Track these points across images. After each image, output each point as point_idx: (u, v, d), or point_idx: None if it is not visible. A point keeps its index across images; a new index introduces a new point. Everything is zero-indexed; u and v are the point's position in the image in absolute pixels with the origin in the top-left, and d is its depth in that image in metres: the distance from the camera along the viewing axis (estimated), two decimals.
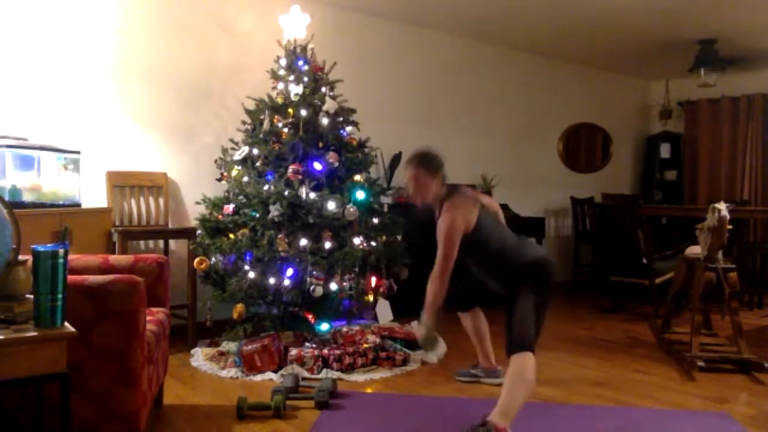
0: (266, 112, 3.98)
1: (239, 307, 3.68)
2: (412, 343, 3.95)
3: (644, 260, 5.23)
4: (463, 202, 2.93)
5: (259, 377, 3.42)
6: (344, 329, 3.88)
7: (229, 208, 3.87)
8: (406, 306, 4.67)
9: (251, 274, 3.66)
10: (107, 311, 2.18)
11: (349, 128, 4.10)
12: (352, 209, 3.78)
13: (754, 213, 6.30)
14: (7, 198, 2.92)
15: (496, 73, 6.27)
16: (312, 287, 3.62)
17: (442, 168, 3.00)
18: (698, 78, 6.16)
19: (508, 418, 2.49)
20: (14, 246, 1.90)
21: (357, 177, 3.98)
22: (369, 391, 3.30)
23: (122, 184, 4.07)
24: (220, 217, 3.90)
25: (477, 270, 3.05)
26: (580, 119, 7.04)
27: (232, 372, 3.49)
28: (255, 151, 3.93)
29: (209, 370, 3.55)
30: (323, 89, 4.05)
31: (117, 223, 3.99)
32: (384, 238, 4.01)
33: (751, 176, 6.89)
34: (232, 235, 3.81)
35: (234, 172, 3.95)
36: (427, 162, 2.97)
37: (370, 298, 3.95)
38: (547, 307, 2.88)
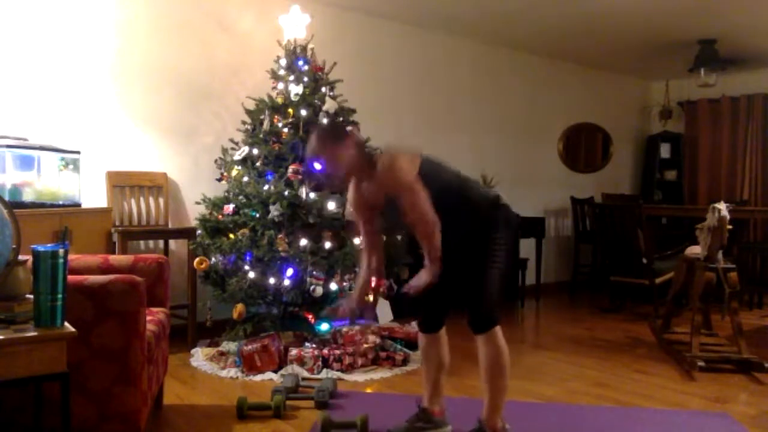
0: (266, 112, 3.98)
1: (239, 307, 3.68)
2: (412, 343, 3.95)
3: (644, 260, 5.23)
4: (398, 150, 2.46)
5: (259, 377, 3.42)
6: (344, 329, 3.89)
7: (229, 208, 3.87)
8: (407, 306, 4.69)
9: (251, 274, 3.66)
10: (107, 311, 2.18)
11: (348, 128, 4.09)
12: (352, 209, 3.78)
13: (754, 213, 6.30)
14: (7, 198, 2.92)
15: (496, 73, 6.27)
16: (312, 287, 3.62)
17: (346, 133, 2.48)
18: (698, 78, 6.15)
19: (499, 412, 2.48)
20: (14, 246, 1.90)
21: None
22: (369, 391, 3.30)
23: (122, 184, 4.06)
24: (220, 217, 3.90)
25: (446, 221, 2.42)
26: (580, 119, 7.04)
27: (232, 372, 3.49)
28: (255, 151, 3.93)
29: (209, 370, 3.55)
30: (323, 89, 4.05)
31: (117, 223, 3.99)
32: (384, 238, 4.00)
33: (751, 176, 6.89)
34: (232, 235, 3.81)
35: (234, 172, 3.95)
36: (321, 134, 2.47)
37: (370, 298, 3.95)
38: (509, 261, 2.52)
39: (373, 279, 3.92)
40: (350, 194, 2.60)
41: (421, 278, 2.33)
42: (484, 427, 2.47)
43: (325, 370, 3.50)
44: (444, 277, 2.38)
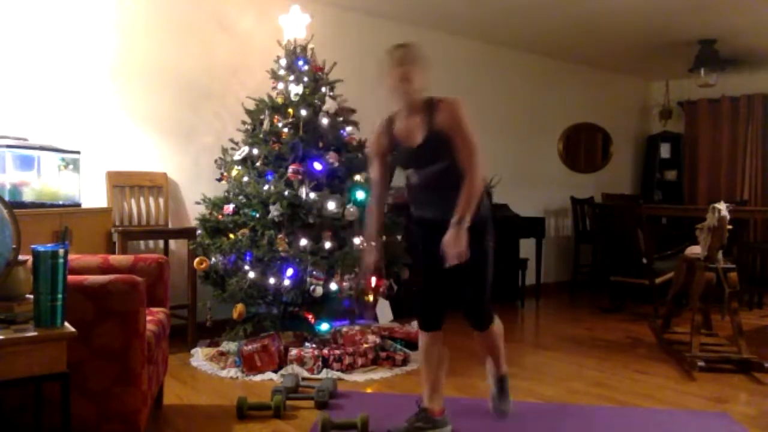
0: (266, 112, 3.98)
1: (239, 307, 3.68)
2: (412, 343, 3.95)
3: (644, 260, 5.23)
4: None
5: (259, 377, 3.42)
6: (344, 329, 3.89)
7: (229, 208, 3.87)
8: (406, 306, 4.69)
9: (251, 274, 3.66)
10: (107, 311, 2.18)
11: (349, 128, 4.10)
12: (352, 209, 3.78)
13: (754, 213, 6.30)
14: (7, 198, 2.92)
15: (496, 72, 6.27)
16: (312, 287, 3.62)
17: (418, 57, 2.56)
18: (698, 78, 6.15)
19: (503, 362, 2.78)
20: (14, 246, 1.90)
21: (357, 177, 3.98)
22: (369, 391, 3.30)
23: (122, 184, 4.06)
24: (220, 217, 3.90)
25: (456, 195, 2.41)
26: (580, 119, 7.04)
27: (232, 372, 3.49)
28: (255, 151, 3.93)
29: (209, 370, 3.55)
30: (323, 89, 4.05)
31: (117, 223, 3.99)
32: (384, 238, 4.00)
33: (751, 176, 6.89)
34: (232, 235, 3.80)
35: (234, 172, 3.95)
36: (415, 50, 2.54)
37: (370, 298, 3.95)
38: None
39: (374, 278, 3.95)
40: (379, 130, 2.67)
41: (452, 239, 2.33)
42: (499, 375, 2.76)
43: (325, 370, 3.49)
44: (447, 274, 2.42)
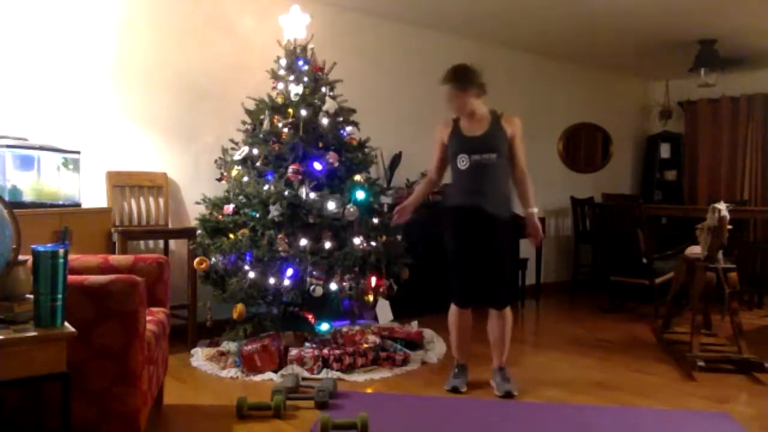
0: (266, 112, 3.98)
1: (239, 307, 3.68)
2: (412, 343, 3.96)
3: (644, 260, 5.23)
4: None
5: (259, 377, 3.42)
6: (344, 329, 3.89)
7: (229, 208, 3.87)
8: (406, 306, 4.70)
9: (251, 274, 3.66)
10: (107, 311, 2.18)
11: (349, 128, 4.10)
12: (352, 209, 3.78)
13: (754, 213, 6.30)
14: (7, 198, 2.92)
15: (496, 72, 6.21)
16: (312, 287, 3.62)
17: (473, 82, 3.20)
18: (698, 78, 6.15)
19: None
20: (14, 246, 1.90)
21: (357, 177, 3.98)
22: (369, 391, 3.30)
23: (122, 184, 4.06)
24: (220, 217, 3.89)
25: (497, 189, 3.21)
26: (580, 119, 7.04)
27: (232, 372, 3.49)
28: (255, 151, 3.93)
29: (209, 370, 3.55)
30: (323, 89, 4.05)
31: (117, 223, 3.99)
32: (384, 238, 4.01)
33: (751, 176, 6.88)
34: (232, 235, 3.80)
35: (234, 172, 3.95)
36: (457, 77, 3.22)
37: (370, 298, 3.95)
38: None
39: (374, 278, 3.97)
40: (443, 122, 3.37)
41: (537, 226, 3.30)
42: (504, 367, 3.31)
43: (325, 370, 3.49)
44: (479, 256, 3.17)
